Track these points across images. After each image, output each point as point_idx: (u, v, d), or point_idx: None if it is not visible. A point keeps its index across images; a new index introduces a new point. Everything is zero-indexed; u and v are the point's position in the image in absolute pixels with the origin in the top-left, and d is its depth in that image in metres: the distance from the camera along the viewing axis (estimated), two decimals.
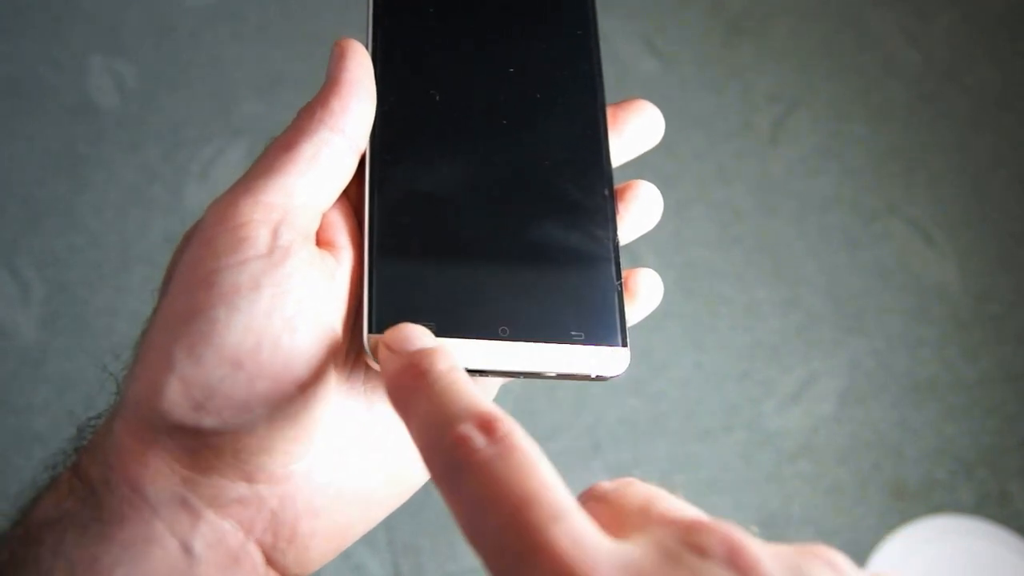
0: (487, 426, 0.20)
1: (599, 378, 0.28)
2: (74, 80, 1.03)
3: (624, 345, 0.28)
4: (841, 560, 0.19)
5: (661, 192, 0.31)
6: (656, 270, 0.31)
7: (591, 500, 0.22)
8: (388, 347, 0.24)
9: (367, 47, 0.30)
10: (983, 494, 0.85)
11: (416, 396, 0.22)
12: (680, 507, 0.21)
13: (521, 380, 0.28)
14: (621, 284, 0.29)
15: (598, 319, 0.28)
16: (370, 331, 0.26)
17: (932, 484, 0.86)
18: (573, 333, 0.28)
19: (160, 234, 0.94)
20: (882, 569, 0.20)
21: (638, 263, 0.95)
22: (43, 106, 1.02)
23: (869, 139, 1.04)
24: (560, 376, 0.27)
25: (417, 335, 0.24)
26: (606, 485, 0.22)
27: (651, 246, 0.95)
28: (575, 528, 0.19)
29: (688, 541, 0.19)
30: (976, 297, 0.95)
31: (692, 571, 0.18)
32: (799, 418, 0.88)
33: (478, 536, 0.19)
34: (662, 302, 0.31)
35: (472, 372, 0.27)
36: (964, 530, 0.83)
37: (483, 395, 0.22)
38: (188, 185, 0.96)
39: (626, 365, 0.28)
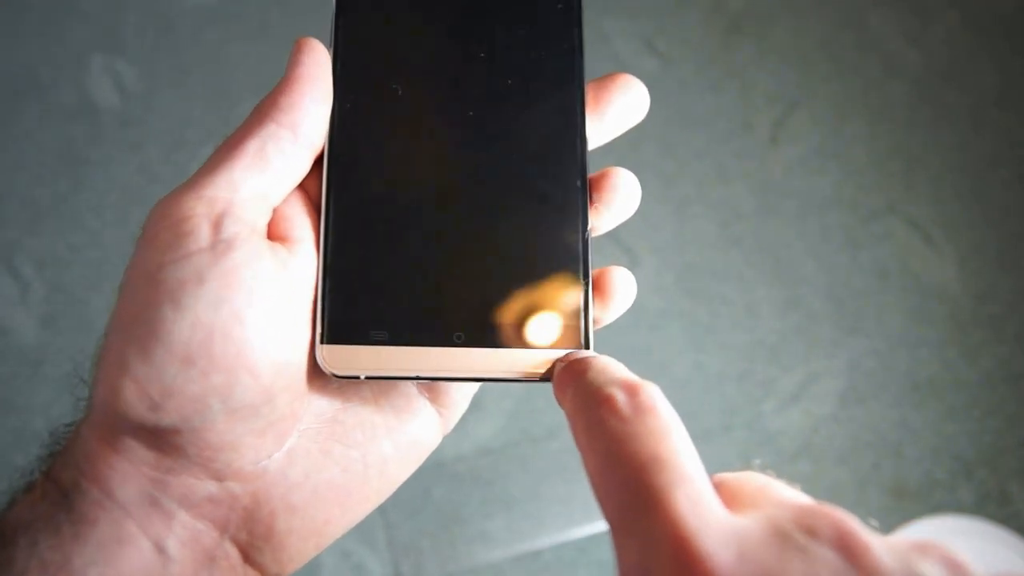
0: (632, 390, 0.22)
1: None
2: (74, 80, 1.03)
3: (587, 347, 0.27)
4: (960, 557, 0.19)
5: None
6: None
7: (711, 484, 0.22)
8: (560, 361, 0.26)
9: (330, 39, 0.29)
10: (983, 494, 0.85)
11: (575, 378, 0.24)
12: (796, 494, 0.21)
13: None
14: (589, 282, 0.28)
15: (560, 321, 0.27)
16: (321, 341, 0.26)
17: (932, 484, 0.86)
18: (532, 337, 0.27)
19: None
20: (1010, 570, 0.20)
21: (637, 263, 0.96)
22: (43, 106, 1.02)
23: (869, 139, 1.04)
24: (517, 381, 0.26)
25: (585, 353, 0.26)
26: (726, 474, 0.23)
27: (651, 246, 0.95)
28: (696, 493, 0.19)
29: (800, 522, 0.19)
30: (976, 297, 0.95)
31: (800, 549, 0.18)
32: (799, 418, 0.88)
33: (603, 488, 0.20)
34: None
35: (425, 380, 0.26)
36: (964, 530, 0.83)
37: (632, 373, 0.23)
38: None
39: None
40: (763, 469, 0.22)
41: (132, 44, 1.06)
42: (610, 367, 0.24)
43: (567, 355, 0.26)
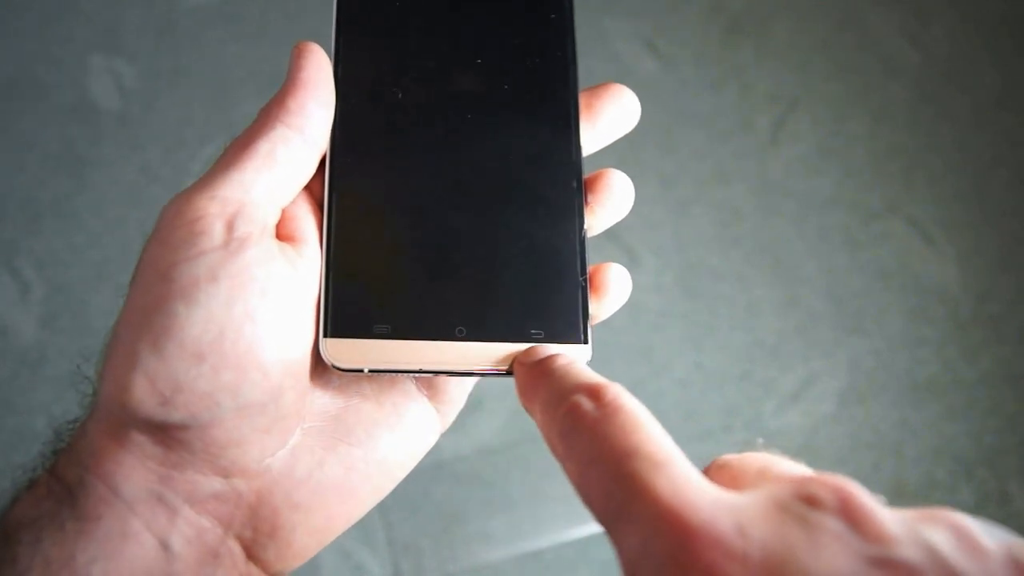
0: (595, 393, 0.22)
1: None
2: (74, 80, 1.03)
3: (585, 342, 0.28)
4: (968, 524, 0.18)
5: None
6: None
7: (714, 468, 0.23)
8: (520, 363, 0.27)
9: (332, 44, 0.30)
10: (983, 494, 0.85)
11: (538, 387, 0.25)
12: (799, 468, 0.21)
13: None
14: (586, 279, 0.29)
15: (559, 316, 0.28)
16: (324, 335, 0.27)
17: (932, 484, 0.86)
18: (532, 331, 0.28)
19: None
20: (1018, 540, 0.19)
21: (637, 263, 0.96)
22: (43, 106, 1.02)
23: (869, 139, 1.04)
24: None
25: (543, 350, 0.27)
26: (730, 455, 0.23)
27: (651, 246, 0.94)
28: (676, 473, 0.19)
29: (800, 493, 0.18)
30: (976, 297, 0.95)
31: (801, 519, 0.18)
32: (799, 418, 0.88)
33: (587, 489, 0.21)
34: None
35: (427, 374, 0.27)
36: None
37: (593, 373, 0.24)
38: (188, 185, 0.96)
39: (586, 361, 0.28)
40: (766, 449, 0.22)
41: (132, 44, 1.06)
42: (570, 372, 0.24)
43: (525, 353, 0.27)
